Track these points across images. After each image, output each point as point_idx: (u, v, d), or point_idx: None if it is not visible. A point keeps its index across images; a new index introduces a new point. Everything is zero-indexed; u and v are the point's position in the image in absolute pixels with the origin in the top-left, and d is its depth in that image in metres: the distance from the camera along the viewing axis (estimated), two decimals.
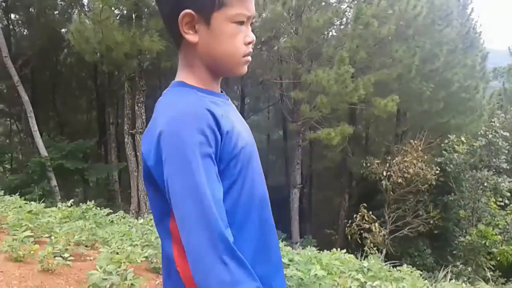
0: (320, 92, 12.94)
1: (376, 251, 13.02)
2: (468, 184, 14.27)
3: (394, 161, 14.54)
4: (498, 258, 13.79)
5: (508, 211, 14.77)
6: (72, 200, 7.48)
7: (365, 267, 4.39)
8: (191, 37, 1.10)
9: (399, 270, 5.30)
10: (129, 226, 6.24)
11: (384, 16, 12.75)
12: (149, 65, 17.13)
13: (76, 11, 16.26)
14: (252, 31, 1.18)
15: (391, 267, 6.16)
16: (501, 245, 13.72)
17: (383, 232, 14.25)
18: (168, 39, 11.18)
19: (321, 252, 6.16)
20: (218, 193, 1.02)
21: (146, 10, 13.60)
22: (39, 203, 7.52)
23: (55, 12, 18.13)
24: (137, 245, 4.28)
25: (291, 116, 15.59)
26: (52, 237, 4.21)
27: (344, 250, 6.04)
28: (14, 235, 4.07)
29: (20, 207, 5.96)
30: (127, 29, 12.68)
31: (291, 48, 13.86)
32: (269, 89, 19.43)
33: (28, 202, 7.29)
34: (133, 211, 14.86)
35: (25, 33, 20.13)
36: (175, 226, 1.06)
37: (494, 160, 14.06)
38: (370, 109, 14.59)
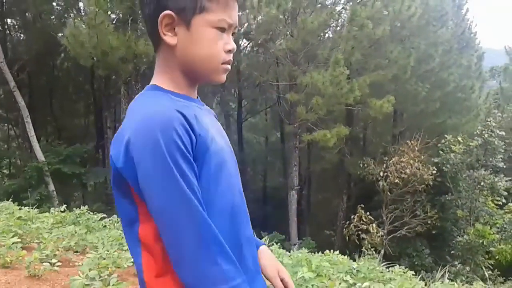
0: (316, 94, 12.94)
1: (374, 252, 13.04)
2: (465, 184, 14.29)
3: (391, 161, 14.54)
4: (497, 257, 13.82)
5: (505, 210, 14.79)
6: (65, 206, 7.45)
7: (354, 269, 4.39)
8: (169, 39, 1.09)
9: (390, 271, 5.31)
10: (121, 230, 6.24)
11: (379, 17, 12.75)
12: (145, 69, 17.14)
13: (72, 16, 16.22)
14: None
15: (384, 268, 6.16)
16: (499, 244, 13.75)
17: (381, 232, 14.26)
18: None
19: (319, 253, 6.17)
20: (200, 194, 1.02)
21: (141, 13, 13.60)
22: (34, 208, 7.51)
23: (52, 17, 18.13)
24: (126, 250, 4.27)
25: (288, 118, 15.59)
26: (41, 243, 4.21)
27: (337, 252, 6.04)
28: (2, 241, 4.07)
29: (11, 213, 5.95)
30: (122, 33, 12.68)
31: (287, 50, 13.87)
32: (266, 91, 19.43)
33: (23, 207, 7.29)
34: None
35: (21, 38, 20.14)
36: (145, 233, 1.06)
37: (490, 159, 14.09)
38: (366, 110, 14.59)
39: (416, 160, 14.20)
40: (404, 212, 14.97)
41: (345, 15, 14.84)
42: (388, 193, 14.62)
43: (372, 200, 16.37)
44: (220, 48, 1.12)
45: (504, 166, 14.54)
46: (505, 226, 14.10)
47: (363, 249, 13.04)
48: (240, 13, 11.62)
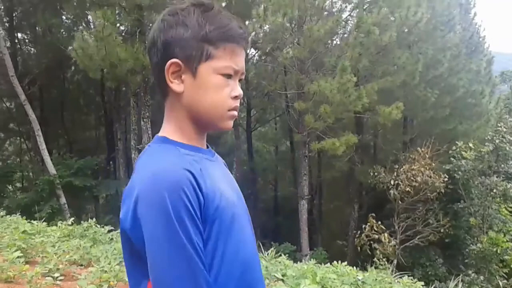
0: (324, 102, 12.89)
1: (386, 262, 12.87)
2: (478, 191, 14.07)
3: (401, 169, 14.39)
4: (511, 266, 13.53)
5: None
6: (72, 219, 7.47)
7: (359, 280, 4.31)
8: (176, 86, 1.10)
9: (399, 281, 5.20)
10: None
11: (385, 23, 12.69)
12: (154, 81, 17.25)
13: (81, 28, 16.43)
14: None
15: (393, 278, 6.05)
16: None
17: (393, 242, 14.06)
18: None
19: (329, 264, 6.07)
20: (204, 260, 1.00)
21: (149, 25, 13.72)
22: (43, 221, 7.55)
23: (61, 30, 18.37)
24: None
25: (297, 127, 15.53)
26: (44, 257, 4.21)
27: (346, 263, 5.95)
28: (5, 256, 4.07)
29: (16, 228, 5.97)
30: (130, 45, 12.78)
31: (294, 58, 13.86)
32: (275, 100, 19.42)
33: (34, 221, 7.31)
34: None
35: (32, 51, 20.42)
36: None
37: (502, 165, 13.86)
38: (375, 118, 14.49)
39: (427, 168, 14.03)
40: (416, 221, 14.76)
41: (351, 22, 14.81)
42: (400, 201, 14.44)
43: (384, 209, 16.20)
44: (226, 95, 1.12)
45: None
46: None
47: (375, 259, 12.88)
48: (247, 22, 11.61)
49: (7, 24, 18.17)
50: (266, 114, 24.38)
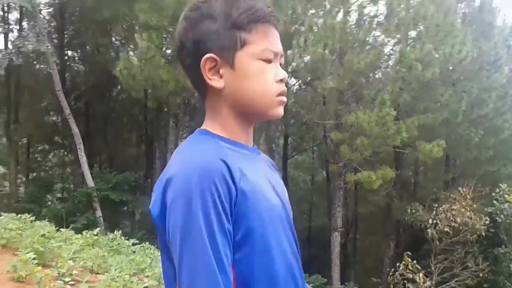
0: (361, 134, 12.73)
1: None
2: None
3: (441, 208, 13.95)
4: None
5: None
6: (98, 229, 7.62)
7: None
8: (216, 83, 1.03)
9: None
10: (149, 257, 6.25)
11: (429, 59, 12.51)
12: (196, 103, 17.61)
13: (128, 50, 17.07)
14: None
15: None
16: None
17: (428, 283, 13.54)
18: None
19: None
20: (228, 262, 0.91)
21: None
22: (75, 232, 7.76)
23: (110, 51, 19.14)
24: (137, 273, 4.29)
25: (333, 157, 15.37)
26: (58, 261, 4.30)
27: None
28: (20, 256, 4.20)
29: (43, 234, 6.12)
30: (172, 67, 13.14)
31: (333, 89, 13.81)
32: (313, 129, 19.33)
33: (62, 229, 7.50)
34: None
35: (81, 69, 21.34)
36: None
37: None
38: (415, 154, 14.17)
39: (468, 209, 13.53)
40: (454, 263, 14.24)
41: (394, 56, 14.67)
42: (438, 242, 13.96)
43: (421, 249, 15.73)
44: (271, 80, 1.04)
45: None
46: None
47: None
48: (289, 52, 11.67)
49: (55, 41, 19.00)
50: (304, 142, 24.25)
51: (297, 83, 19.29)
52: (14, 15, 19.39)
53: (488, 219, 13.44)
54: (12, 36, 17.83)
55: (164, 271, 1.02)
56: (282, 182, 1.17)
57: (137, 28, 15.25)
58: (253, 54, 1.02)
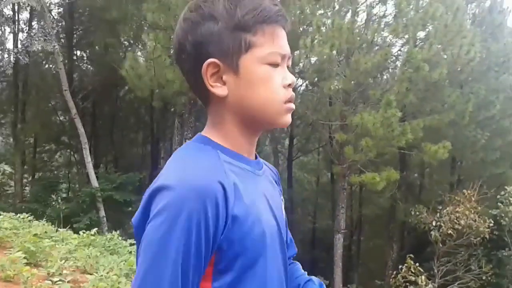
0: (366, 134, 12.69)
1: None
2: None
3: (445, 211, 13.89)
4: None
5: None
6: (96, 229, 7.63)
7: None
8: (219, 90, 0.95)
9: None
10: None
11: (436, 60, 12.45)
12: (200, 104, 17.59)
13: (137, 50, 17.10)
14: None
15: None
16: None
17: (430, 285, 13.47)
18: None
19: None
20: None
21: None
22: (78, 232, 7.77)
23: (118, 51, 19.18)
24: (126, 274, 4.30)
25: (337, 158, 15.31)
26: (48, 261, 4.30)
27: None
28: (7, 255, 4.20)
29: (31, 230, 6.13)
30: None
31: (339, 90, 13.79)
32: (319, 130, 19.28)
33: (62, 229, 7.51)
34: None
35: (89, 69, 21.42)
36: None
37: None
38: (421, 155, 14.10)
39: (472, 211, 13.48)
40: (457, 266, 14.22)
41: (401, 57, 14.63)
42: (441, 244, 13.90)
43: (424, 251, 15.69)
44: (278, 85, 0.96)
45: None
46: None
47: None
48: (295, 53, 11.65)
49: (62, 40, 19.03)
50: (309, 143, 24.21)
51: (303, 84, 19.28)
52: (24, 15, 19.57)
53: (493, 221, 13.42)
54: (22, 36, 17.97)
55: None
56: (278, 194, 1.11)
57: (145, 28, 15.29)
58: (259, 58, 0.94)
